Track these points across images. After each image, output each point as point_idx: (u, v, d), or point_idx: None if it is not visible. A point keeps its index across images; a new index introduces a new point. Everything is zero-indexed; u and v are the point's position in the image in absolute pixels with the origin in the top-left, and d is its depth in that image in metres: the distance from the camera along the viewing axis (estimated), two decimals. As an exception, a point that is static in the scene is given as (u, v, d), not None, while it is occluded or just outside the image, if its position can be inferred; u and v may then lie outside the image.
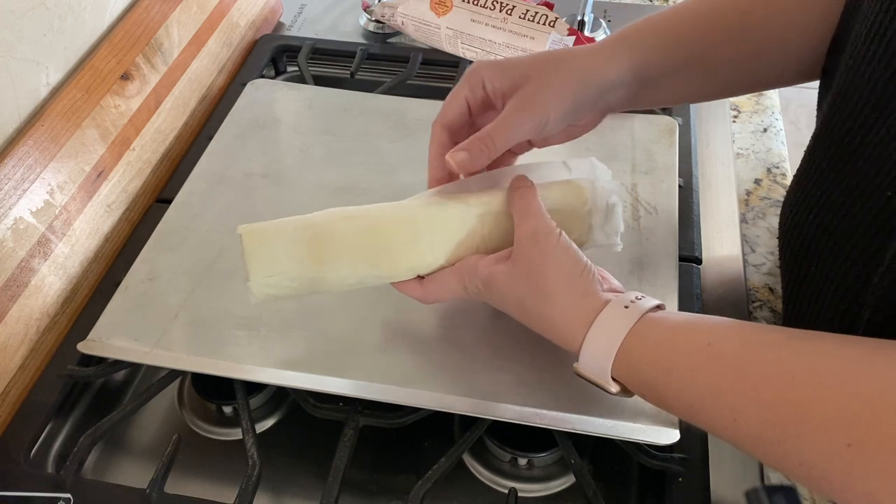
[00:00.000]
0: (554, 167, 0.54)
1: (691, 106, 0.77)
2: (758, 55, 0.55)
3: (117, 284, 0.60)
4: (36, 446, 0.54)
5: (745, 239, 0.68)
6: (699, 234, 0.65)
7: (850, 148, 0.46)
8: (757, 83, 0.61)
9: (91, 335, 0.56)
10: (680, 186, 0.67)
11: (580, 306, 0.46)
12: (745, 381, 0.40)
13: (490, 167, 0.54)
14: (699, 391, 0.42)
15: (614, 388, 0.46)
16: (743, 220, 0.70)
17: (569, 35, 0.78)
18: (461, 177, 0.53)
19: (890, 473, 0.34)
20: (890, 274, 0.42)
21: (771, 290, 0.64)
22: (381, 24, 0.90)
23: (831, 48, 0.52)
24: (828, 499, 0.39)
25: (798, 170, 0.54)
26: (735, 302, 0.63)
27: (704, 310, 0.61)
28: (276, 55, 0.88)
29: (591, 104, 0.53)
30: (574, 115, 0.52)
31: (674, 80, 0.55)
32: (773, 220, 0.69)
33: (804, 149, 0.52)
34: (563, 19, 0.79)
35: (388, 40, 0.90)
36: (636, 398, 0.47)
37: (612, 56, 0.53)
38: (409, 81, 0.82)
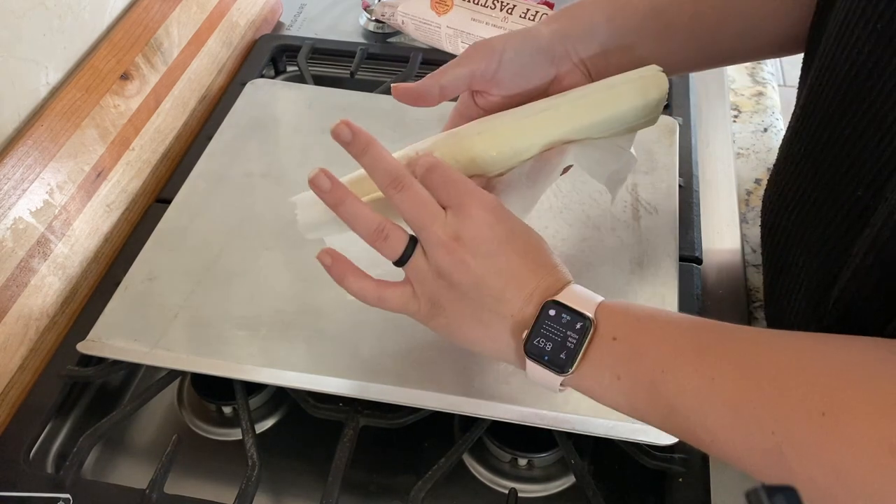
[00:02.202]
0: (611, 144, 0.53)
1: (691, 106, 0.77)
2: (718, 27, 0.55)
3: (117, 284, 0.60)
4: (36, 446, 0.54)
5: (745, 239, 0.68)
6: (699, 234, 0.65)
7: (821, 143, 0.46)
8: (721, 58, 0.61)
9: (91, 335, 0.56)
10: (680, 186, 0.67)
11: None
12: (726, 343, 0.40)
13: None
14: (677, 350, 0.41)
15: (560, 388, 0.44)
16: (743, 220, 0.70)
17: (569, 35, 0.78)
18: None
19: (860, 445, 0.35)
20: (856, 277, 0.42)
21: (771, 290, 0.64)
22: (381, 24, 0.90)
23: (808, 46, 0.52)
24: (786, 481, 0.39)
25: (776, 161, 0.54)
26: (735, 302, 0.63)
27: (704, 310, 0.61)
28: (275, 55, 0.88)
29: (545, 51, 0.52)
30: (530, 59, 0.51)
31: (633, 44, 0.54)
32: (774, 220, 0.70)
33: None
34: (563, 19, 0.79)
35: (388, 40, 0.90)
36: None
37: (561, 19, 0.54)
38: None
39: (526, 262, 0.44)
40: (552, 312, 0.42)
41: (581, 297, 0.43)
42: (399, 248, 0.45)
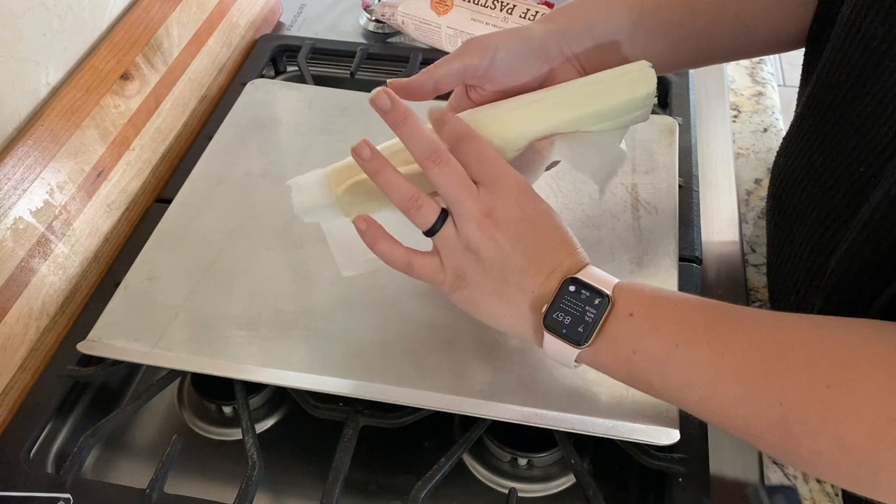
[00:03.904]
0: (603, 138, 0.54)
1: (691, 106, 0.77)
2: (714, 22, 0.56)
3: (117, 284, 0.60)
4: (36, 446, 0.54)
5: (745, 239, 0.68)
6: (699, 234, 0.65)
7: (831, 122, 0.48)
8: (716, 56, 0.61)
9: (91, 335, 0.56)
10: (680, 186, 0.67)
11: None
12: (736, 320, 0.42)
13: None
14: (690, 325, 0.43)
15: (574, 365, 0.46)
16: (743, 220, 0.70)
17: (569, 35, 0.78)
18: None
19: (863, 416, 0.37)
20: (852, 249, 0.44)
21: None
22: (381, 24, 0.90)
23: (813, 35, 0.54)
24: (792, 455, 0.40)
25: (786, 136, 0.56)
26: (735, 301, 0.62)
27: (704, 310, 0.61)
28: (275, 55, 0.88)
29: (537, 50, 0.53)
30: (522, 58, 0.52)
31: (630, 42, 0.55)
32: (774, 220, 0.70)
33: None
34: (563, 19, 0.79)
35: (388, 40, 0.90)
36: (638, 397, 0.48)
37: (556, 18, 0.54)
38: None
39: (550, 241, 0.46)
40: (572, 288, 0.45)
41: (599, 277, 0.45)
42: (431, 217, 0.46)
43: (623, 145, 0.54)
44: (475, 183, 0.46)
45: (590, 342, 0.44)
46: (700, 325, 0.42)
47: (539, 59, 0.53)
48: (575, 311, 0.44)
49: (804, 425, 0.38)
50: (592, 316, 0.44)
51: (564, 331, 0.44)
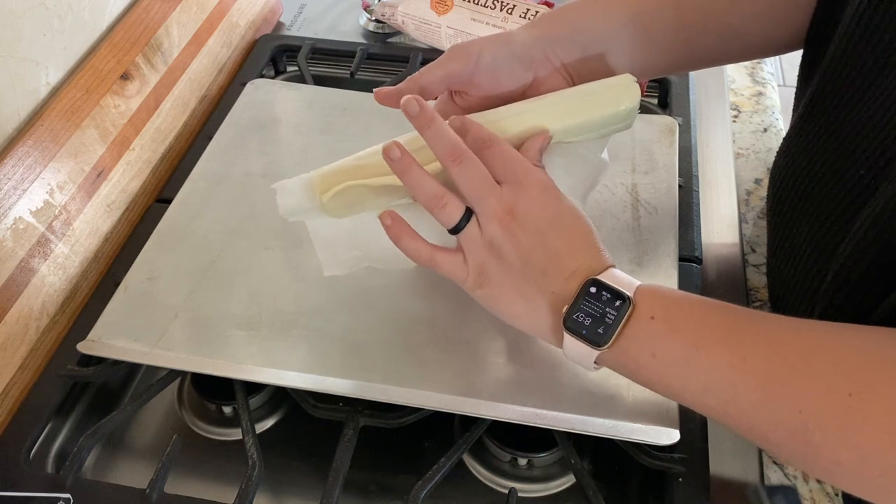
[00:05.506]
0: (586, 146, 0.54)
1: (691, 106, 0.77)
2: (700, 26, 0.56)
3: (117, 284, 0.60)
4: (36, 446, 0.54)
5: (745, 239, 0.68)
6: (699, 234, 0.65)
7: (835, 124, 0.48)
8: (708, 59, 0.61)
9: (91, 335, 0.56)
10: (680, 186, 0.67)
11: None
12: (756, 325, 0.42)
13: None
14: (710, 329, 0.42)
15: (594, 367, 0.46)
16: (743, 220, 0.70)
17: (569, 35, 0.78)
18: None
19: (886, 426, 0.36)
20: (855, 252, 0.44)
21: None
22: (381, 24, 0.90)
23: (813, 36, 0.54)
24: (811, 464, 0.40)
25: (787, 136, 0.56)
26: (735, 302, 0.62)
27: (704, 310, 0.61)
28: (275, 55, 0.88)
29: (521, 56, 0.53)
30: (507, 63, 0.52)
31: (616, 48, 0.55)
32: (773, 220, 0.70)
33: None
34: (563, 19, 0.79)
35: (388, 40, 0.90)
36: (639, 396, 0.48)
37: (544, 23, 0.54)
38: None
39: (572, 242, 0.46)
40: (593, 290, 0.44)
41: (621, 279, 0.45)
42: (456, 216, 0.47)
43: (605, 154, 0.54)
44: (498, 182, 0.47)
45: (609, 344, 0.44)
46: (721, 329, 0.42)
47: (523, 65, 0.53)
48: (595, 313, 0.44)
49: (824, 433, 0.37)
50: (613, 318, 0.44)
51: (584, 332, 0.44)
